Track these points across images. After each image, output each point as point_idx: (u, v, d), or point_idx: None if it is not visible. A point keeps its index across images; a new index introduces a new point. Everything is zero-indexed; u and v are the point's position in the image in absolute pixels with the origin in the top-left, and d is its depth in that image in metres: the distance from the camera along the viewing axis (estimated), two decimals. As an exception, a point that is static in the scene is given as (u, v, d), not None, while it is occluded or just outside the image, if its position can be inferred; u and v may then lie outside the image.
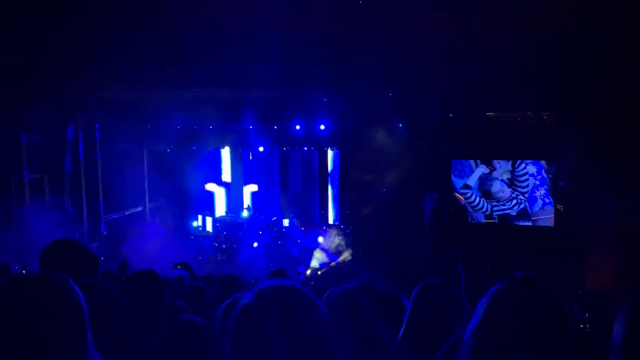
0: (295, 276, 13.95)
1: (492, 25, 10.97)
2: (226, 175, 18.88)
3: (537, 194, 13.86)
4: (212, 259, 16.53)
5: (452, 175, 14.64)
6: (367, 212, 15.37)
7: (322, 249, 16.31)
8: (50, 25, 11.54)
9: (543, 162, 13.79)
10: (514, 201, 14.07)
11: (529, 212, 13.94)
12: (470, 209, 14.44)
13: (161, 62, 12.65)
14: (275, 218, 17.84)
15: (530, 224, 13.95)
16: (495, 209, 14.27)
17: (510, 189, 14.05)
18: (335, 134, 16.30)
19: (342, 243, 16.34)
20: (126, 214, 17.50)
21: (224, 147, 18.46)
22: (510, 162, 13.98)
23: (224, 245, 17.06)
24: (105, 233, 16.85)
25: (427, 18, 11.09)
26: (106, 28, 11.26)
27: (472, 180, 14.40)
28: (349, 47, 12.37)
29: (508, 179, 14.06)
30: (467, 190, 14.41)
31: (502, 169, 14.08)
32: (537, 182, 13.80)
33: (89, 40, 11.94)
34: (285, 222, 17.71)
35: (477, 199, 14.37)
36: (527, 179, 13.85)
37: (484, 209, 14.34)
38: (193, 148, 18.21)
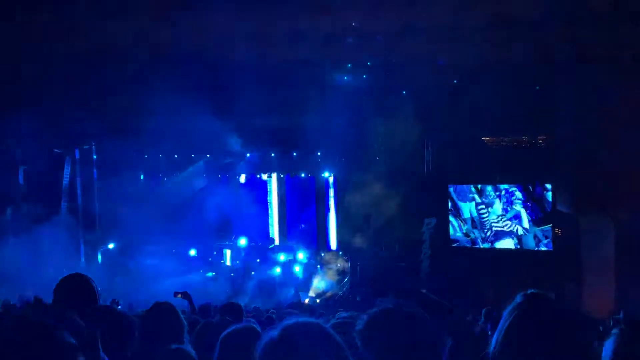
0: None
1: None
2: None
3: (524, 214, 14.01)
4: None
5: (457, 200, 14.71)
6: (364, 238, 15.33)
7: (322, 277, 16.20)
8: (48, 57, 11.68)
9: (538, 186, 13.86)
10: (503, 222, 14.25)
11: (520, 229, 14.10)
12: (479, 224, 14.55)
13: (158, 91, 12.76)
14: (273, 245, 17.76)
15: (512, 241, 14.10)
16: (493, 224, 14.38)
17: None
18: (333, 161, 16.37)
19: (345, 267, 16.26)
20: (123, 242, 17.40)
21: (222, 175, 18.48)
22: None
23: (214, 273, 16.99)
24: (101, 262, 16.73)
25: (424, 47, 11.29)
26: (102, 58, 11.41)
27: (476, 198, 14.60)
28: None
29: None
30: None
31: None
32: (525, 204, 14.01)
33: (87, 72, 12.07)
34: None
35: (486, 212, 14.52)
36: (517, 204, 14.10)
37: (487, 222, 14.45)
38: (190, 177, 18.24)
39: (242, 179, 18.20)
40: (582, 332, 1.56)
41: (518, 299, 1.66)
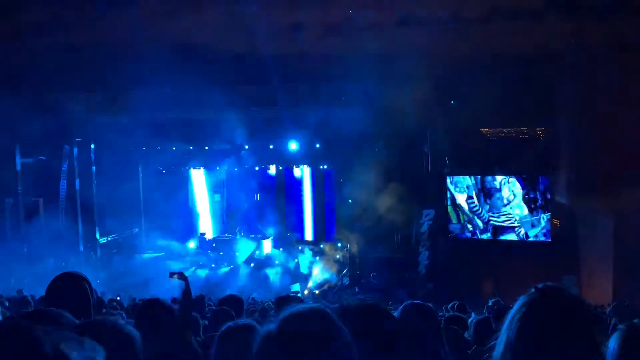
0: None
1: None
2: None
3: (522, 205, 14.04)
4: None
5: (454, 191, 14.72)
6: (363, 230, 15.33)
7: (321, 268, 16.22)
8: (47, 50, 11.63)
9: (537, 177, 13.86)
10: (504, 217, 14.26)
11: (519, 220, 14.13)
12: (474, 217, 14.56)
13: (161, 84, 12.73)
14: (271, 237, 17.75)
15: (516, 235, 14.13)
16: (491, 217, 14.36)
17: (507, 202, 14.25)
18: (330, 152, 16.33)
19: (344, 259, 16.27)
20: (121, 235, 17.41)
21: (219, 167, 18.44)
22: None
23: (214, 265, 17.00)
24: (100, 255, 16.74)
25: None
26: (102, 50, 11.36)
27: (471, 191, 14.57)
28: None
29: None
30: (471, 200, 14.52)
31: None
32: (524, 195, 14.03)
33: (87, 63, 12.02)
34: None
35: (478, 206, 14.47)
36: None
37: (482, 216, 14.42)
38: (188, 169, 18.23)
39: (242, 170, 18.17)
40: (596, 332, 1.46)
41: (528, 295, 1.50)
